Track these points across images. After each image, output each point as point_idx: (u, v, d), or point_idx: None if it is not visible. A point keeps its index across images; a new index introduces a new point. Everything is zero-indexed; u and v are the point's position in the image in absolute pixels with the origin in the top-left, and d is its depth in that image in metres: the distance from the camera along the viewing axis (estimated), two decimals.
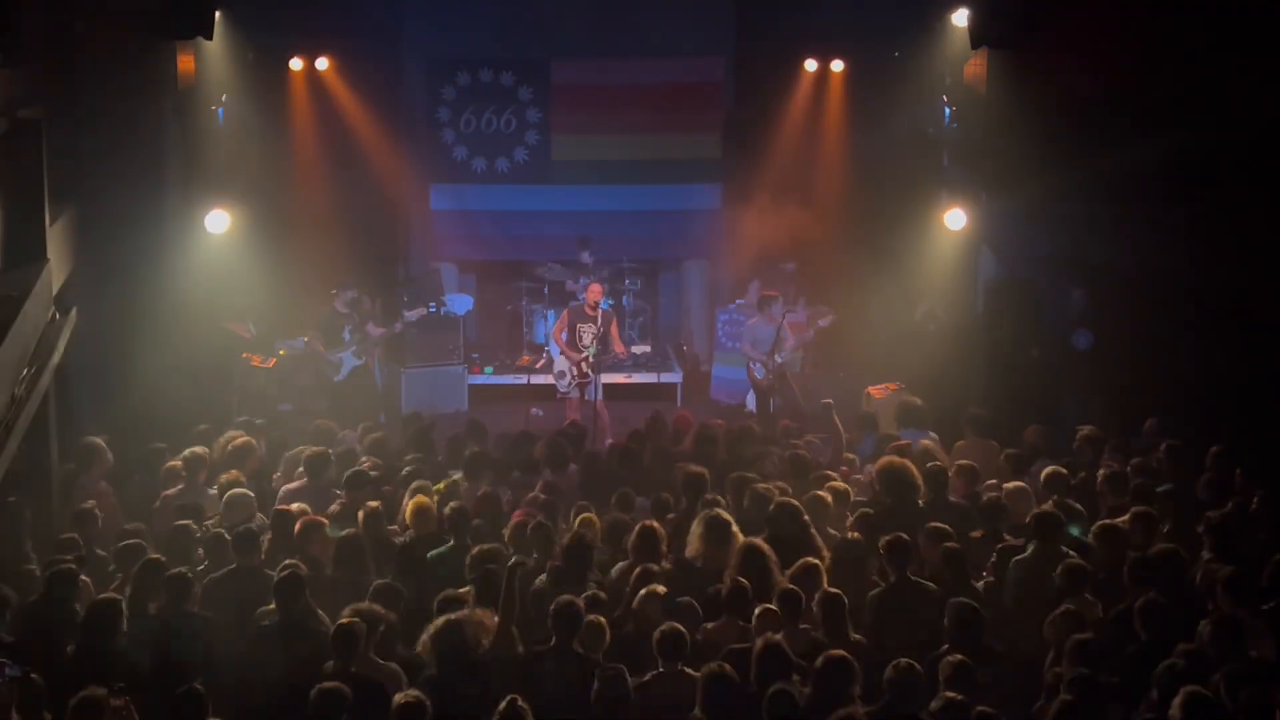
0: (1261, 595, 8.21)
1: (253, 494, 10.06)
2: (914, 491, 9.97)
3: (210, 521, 9.73)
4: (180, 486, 10.64)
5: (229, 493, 9.98)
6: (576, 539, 8.74)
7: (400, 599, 8.29)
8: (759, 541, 8.61)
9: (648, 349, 16.18)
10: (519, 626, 7.80)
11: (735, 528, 8.89)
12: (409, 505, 9.70)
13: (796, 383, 15.39)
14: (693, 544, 8.87)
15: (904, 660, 7.21)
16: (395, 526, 9.92)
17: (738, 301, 17.47)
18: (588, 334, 14.75)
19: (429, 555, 9.17)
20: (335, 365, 15.00)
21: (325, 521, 9.52)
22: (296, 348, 15.58)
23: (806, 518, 9.29)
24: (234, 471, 10.59)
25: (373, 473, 10.63)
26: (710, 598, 8.32)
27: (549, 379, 16.37)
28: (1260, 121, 13.10)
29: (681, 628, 7.53)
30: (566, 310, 15.23)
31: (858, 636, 8.01)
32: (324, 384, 15.23)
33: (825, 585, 8.29)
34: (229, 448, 11.00)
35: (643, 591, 8.08)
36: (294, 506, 9.85)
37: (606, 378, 15.35)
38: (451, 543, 9.24)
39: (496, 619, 7.70)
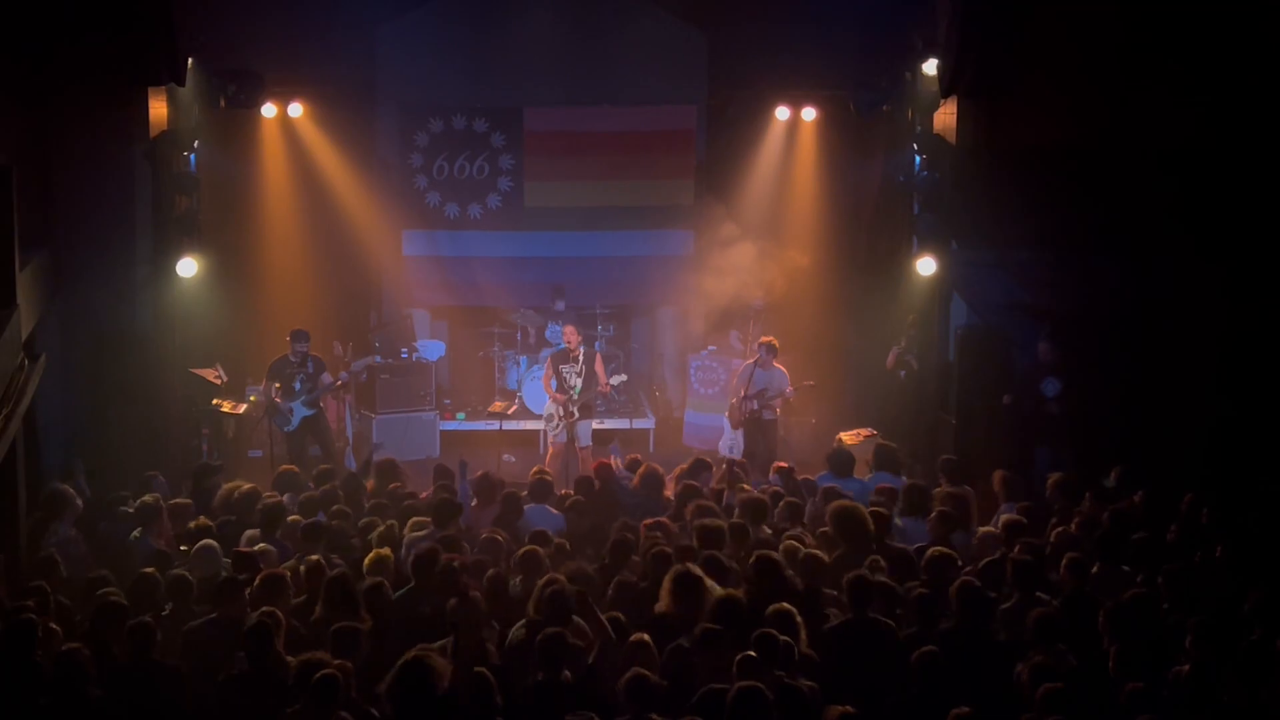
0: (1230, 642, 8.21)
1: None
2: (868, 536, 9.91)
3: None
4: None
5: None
6: (553, 594, 8.46)
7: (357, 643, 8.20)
8: (737, 593, 8.46)
9: (624, 377, 16.18)
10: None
11: (708, 583, 8.62)
12: (369, 557, 9.63)
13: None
14: (663, 599, 8.62)
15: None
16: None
17: (710, 348, 17.51)
18: (571, 375, 14.80)
19: (394, 596, 9.05)
20: (286, 415, 14.90)
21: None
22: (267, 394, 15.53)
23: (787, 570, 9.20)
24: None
25: (333, 522, 10.56)
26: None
27: (522, 425, 16.41)
28: (1228, 170, 13.26)
29: (648, 674, 7.47)
30: (550, 357, 15.28)
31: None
32: (280, 432, 15.09)
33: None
34: (259, 507, 10.86)
35: (631, 639, 8.00)
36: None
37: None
38: (412, 584, 9.13)
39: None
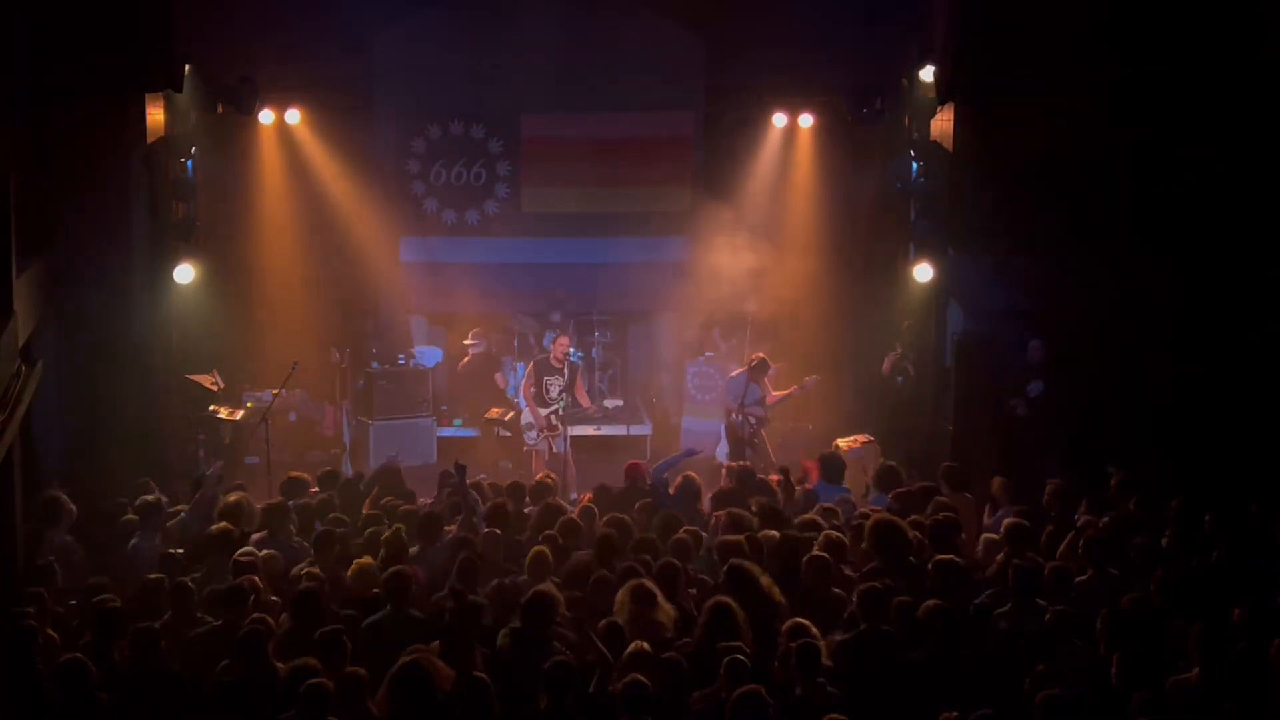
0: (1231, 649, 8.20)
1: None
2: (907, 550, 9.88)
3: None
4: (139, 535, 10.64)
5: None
6: (537, 597, 8.45)
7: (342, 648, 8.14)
8: (728, 600, 8.44)
9: (620, 403, 16.19)
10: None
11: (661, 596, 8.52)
12: (353, 567, 9.60)
13: (767, 435, 15.41)
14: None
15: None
16: None
17: (707, 354, 17.50)
18: (555, 387, 14.79)
19: (364, 624, 8.72)
20: None
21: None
22: (264, 400, 15.52)
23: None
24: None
25: (339, 529, 10.54)
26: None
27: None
28: (1225, 177, 13.28)
29: (645, 680, 7.46)
30: (532, 364, 15.25)
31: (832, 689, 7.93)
32: (291, 437, 15.09)
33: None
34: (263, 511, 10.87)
35: (631, 648, 7.97)
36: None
37: (576, 430, 15.36)
38: (389, 609, 8.86)
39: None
